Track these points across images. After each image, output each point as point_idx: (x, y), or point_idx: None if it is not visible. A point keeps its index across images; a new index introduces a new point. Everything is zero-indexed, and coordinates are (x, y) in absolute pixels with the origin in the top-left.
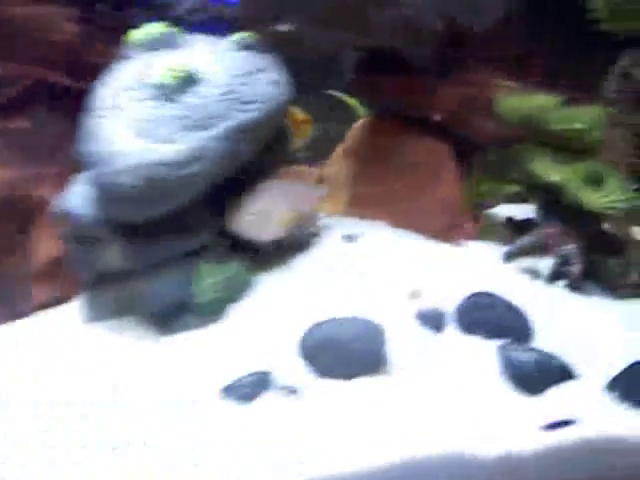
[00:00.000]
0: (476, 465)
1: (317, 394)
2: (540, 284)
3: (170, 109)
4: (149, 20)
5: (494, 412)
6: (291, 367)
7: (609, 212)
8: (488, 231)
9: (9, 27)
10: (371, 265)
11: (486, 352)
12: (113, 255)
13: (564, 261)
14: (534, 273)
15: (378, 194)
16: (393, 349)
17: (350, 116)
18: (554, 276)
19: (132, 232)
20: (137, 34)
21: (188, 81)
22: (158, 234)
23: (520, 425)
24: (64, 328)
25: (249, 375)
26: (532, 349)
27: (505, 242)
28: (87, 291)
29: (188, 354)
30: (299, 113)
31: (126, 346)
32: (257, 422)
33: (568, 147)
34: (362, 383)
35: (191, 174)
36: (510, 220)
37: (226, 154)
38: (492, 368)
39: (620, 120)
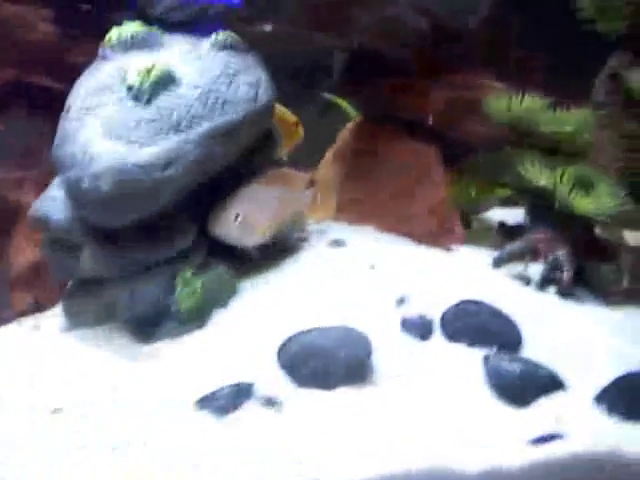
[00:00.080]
0: None
1: (297, 405)
2: (530, 290)
3: (145, 111)
4: (127, 19)
5: (478, 425)
6: (272, 377)
7: (599, 217)
8: (480, 235)
9: None
10: (358, 271)
11: (472, 361)
12: (90, 261)
13: (554, 267)
14: (524, 279)
15: (366, 198)
16: (377, 358)
17: (342, 118)
18: (544, 282)
19: (109, 237)
20: (114, 34)
21: (163, 82)
22: (137, 239)
23: (505, 438)
24: (44, 335)
25: (227, 386)
26: (518, 358)
27: (496, 247)
28: (67, 298)
29: (167, 363)
30: (289, 115)
31: (104, 354)
32: (233, 435)
33: (558, 150)
34: (344, 393)
35: (167, 177)
36: (502, 224)
37: (203, 157)
38: (477, 378)
39: (609, 122)
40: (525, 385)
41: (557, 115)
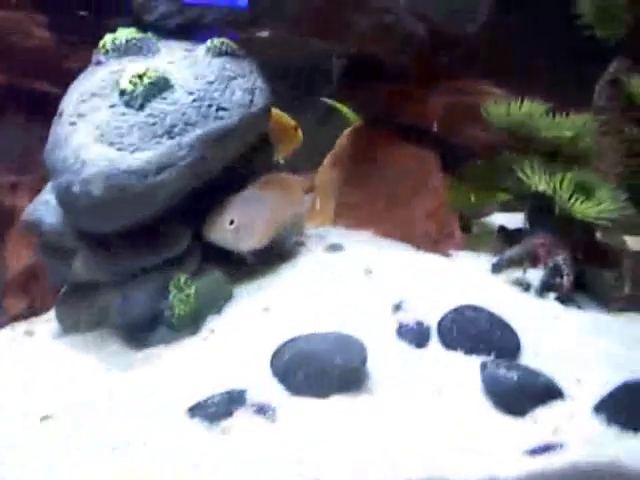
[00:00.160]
0: None
1: (290, 413)
2: (530, 296)
3: (138, 116)
4: (123, 26)
5: (475, 434)
6: (264, 384)
7: (599, 222)
8: (480, 240)
9: None
10: (355, 276)
11: (469, 369)
12: (82, 266)
13: (554, 272)
14: (524, 285)
15: (365, 203)
16: (373, 365)
17: (342, 123)
18: (544, 288)
19: (102, 242)
20: (108, 40)
21: (157, 88)
22: (130, 244)
23: (502, 448)
24: (37, 341)
25: (219, 394)
26: (516, 366)
27: (496, 252)
28: (61, 303)
29: (159, 369)
30: (288, 119)
31: (96, 360)
32: (223, 444)
33: (557, 155)
34: (338, 402)
35: (159, 182)
36: (502, 229)
37: (197, 162)
38: (474, 386)
39: (609, 128)
40: (522, 393)
41: (557, 120)
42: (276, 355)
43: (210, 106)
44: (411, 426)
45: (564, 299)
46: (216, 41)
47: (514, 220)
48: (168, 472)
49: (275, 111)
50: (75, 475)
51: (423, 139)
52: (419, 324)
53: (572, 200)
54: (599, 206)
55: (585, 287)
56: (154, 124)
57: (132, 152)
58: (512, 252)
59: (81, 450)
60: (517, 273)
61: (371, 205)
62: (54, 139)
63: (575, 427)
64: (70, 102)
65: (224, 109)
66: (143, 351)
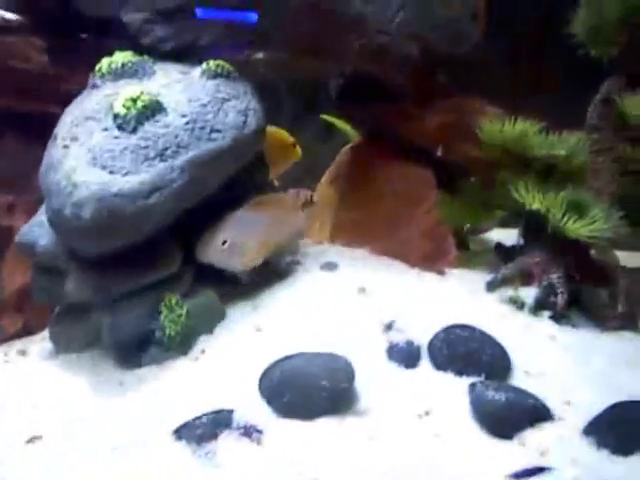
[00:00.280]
0: None
1: (276, 436)
2: (524, 315)
3: (131, 139)
4: (121, 49)
5: (460, 457)
6: (252, 406)
7: (592, 240)
8: (477, 257)
9: None
10: (347, 295)
11: (458, 390)
12: (75, 286)
13: (549, 291)
14: (518, 303)
15: (361, 221)
16: (361, 387)
17: (343, 140)
18: (538, 306)
19: (95, 263)
20: (104, 63)
21: (150, 111)
22: (122, 265)
23: (486, 472)
24: (30, 360)
25: (206, 415)
26: (505, 387)
27: (492, 269)
28: (54, 323)
29: (149, 390)
30: (286, 136)
31: (86, 380)
32: (207, 468)
33: (552, 174)
34: (325, 424)
35: (150, 205)
36: (499, 245)
37: (189, 183)
38: (463, 408)
39: (602, 147)
40: (510, 415)
41: (550, 139)
42: (264, 376)
43: (203, 128)
44: (397, 449)
45: (558, 318)
46: (211, 63)
47: (513, 237)
48: None
49: (273, 128)
50: None
51: (419, 157)
52: (409, 344)
53: (565, 219)
54: (592, 225)
55: (580, 305)
56: (146, 147)
57: (124, 175)
58: (506, 270)
59: (65, 472)
60: (511, 291)
61: (367, 223)
62: (48, 162)
63: (564, 450)
64: (64, 125)
65: (217, 131)
66: (134, 371)
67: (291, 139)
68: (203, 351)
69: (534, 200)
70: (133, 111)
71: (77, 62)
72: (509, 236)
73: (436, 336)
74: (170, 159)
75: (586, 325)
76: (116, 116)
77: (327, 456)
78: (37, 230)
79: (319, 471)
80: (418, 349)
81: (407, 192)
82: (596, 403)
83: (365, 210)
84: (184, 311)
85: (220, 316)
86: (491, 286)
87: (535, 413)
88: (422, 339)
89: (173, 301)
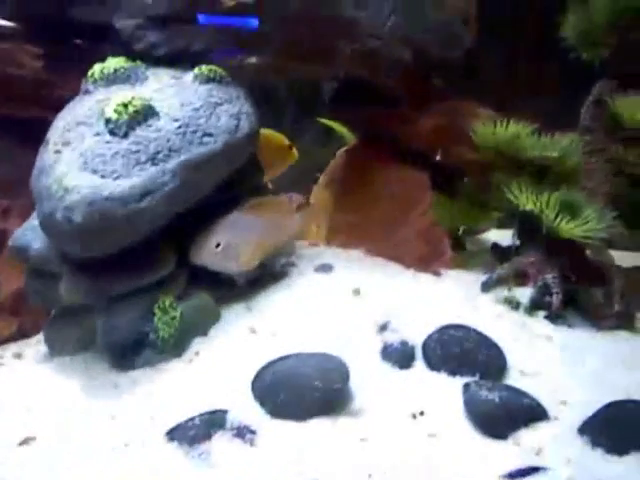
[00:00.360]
0: None
1: (269, 437)
2: (519, 315)
3: (123, 143)
4: (115, 54)
5: (453, 457)
6: (246, 407)
7: (586, 240)
8: (474, 258)
9: None
10: (342, 297)
11: (452, 390)
12: (68, 289)
13: (544, 291)
14: (513, 303)
15: (357, 223)
16: (355, 387)
17: (340, 143)
18: (534, 306)
19: (88, 266)
20: (96, 69)
21: (142, 115)
22: (115, 268)
23: (480, 472)
24: (25, 363)
25: (199, 416)
26: (500, 387)
27: (488, 270)
28: (49, 325)
29: (142, 392)
30: (282, 139)
31: (80, 383)
32: (200, 469)
33: (546, 175)
34: (318, 425)
35: (142, 208)
36: (496, 246)
37: (181, 187)
38: (457, 408)
39: (595, 148)
40: (504, 415)
41: (543, 140)
42: (257, 377)
43: (195, 132)
44: (390, 449)
45: (554, 317)
46: (204, 68)
47: (510, 238)
48: None
49: (269, 131)
50: None
51: (414, 160)
52: (404, 344)
53: (558, 219)
54: (585, 225)
55: (576, 305)
56: (138, 151)
57: (115, 179)
58: (501, 271)
59: (58, 473)
60: (506, 292)
61: (363, 225)
62: (39, 166)
63: (558, 449)
64: (56, 130)
65: (209, 135)
66: (128, 373)
67: (287, 141)
68: (197, 353)
69: (528, 201)
70: (124, 116)
71: (71, 68)
72: (506, 237)
73: (430, 336)
74: (162, 163)
75: (582, 325)
76: (108, 121)
77: (320, 457)
78: (30, 234)
79: (312, 471)
80: (412, 349)
81: (402, 194)
82: (591, 403)
83: (361, 212)
84: (178, 313)
85: (214, 318)
86: (486, 286)
87: (530, 413)
88: (417, 339)
89: (167, 303)
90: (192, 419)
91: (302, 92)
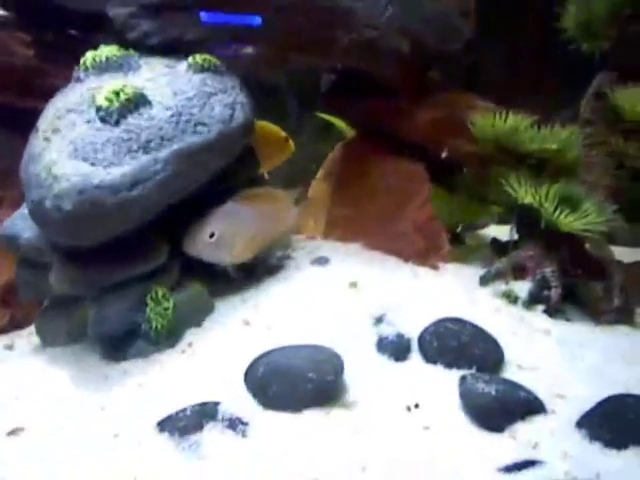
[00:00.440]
0: None
1: (261, 428)
2: (517, 309)
3: (114, 131)
4: (106, 43)
5: (448, 451)
6: (238, 398)
7: (585, 234)
8: (472, 252)
9: None
10: (338, 289)
11: (448, 383)
12: (57, 280)
13: (542, 285)
14: (511, 297)
15: (355, 216)
16: (349, 379)
17: (339, 137)
18: (532, 300)
19: (79, 255)
20: (88, 57)
21: (133, 103)
22: (107, 257)
23: (475, 465)
24: (16, 354)
25: (190, 407)
26: (496, 380)
27: (487, 264)
28: (41, 316)
29: (133, 383)
30: (278, 131)
31: (71, 374)
32: (190, 460)
33: (545, 168)
34: (311, 416)
35: (133, 197)
36: (495, 241)
37: (173, 176)
38: (452, 401)
39: (595, 140)
40: (501, 408)
41: (542, 133)
42: (250, 369)
43: (188, 121)
44: (384, 442)
45: (552, 312)
46: (198, 57)
47: (509, 232)
48: None
49: (265, 123)
50: None
51: (412, 152)
52: (399, 337)
53: (557, 213)
54: (585, 218)
55: (575, 299)
56: (129, 139)
57: (106, 167)
58: (500, 264)
59: (47, 464)
60: (505, 285)
61: (361, 218)
62: (28, 154)
63: (555, 443)
64: (46, 118)
65: (202, 124)
66: (120, 364)
67: (283, 133)
68: (190, 344)
69: (526, 194)
70: (116, 104)
71: (64, 57)
72: (506, 233)
73: (426, 329)
74: (154, 151)
75: (581, 319)
76: (99, 108)
77: (313, 449)
78: (20, 223)
79: (303, 464)
80: (408, 342)
81: (400, 187)
82: (590, 397)
83: (358, 205)
84: (171, 304)
85: (209, 309)
86: (484, 280)
87: (527, 406)
88: (413, 332)
89: (160, 294)
90: (183, 410)
91: (301, 85)
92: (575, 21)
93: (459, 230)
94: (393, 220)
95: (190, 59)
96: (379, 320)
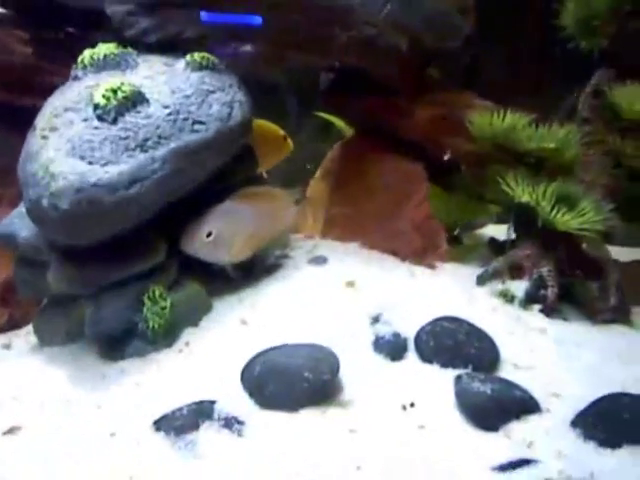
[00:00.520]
0: None
1: (257, 427)
2: (514, 308)
3: (111, 130)
4: (104, 41)
5: (443, 450)
6: (234, 398)
7: (582, 233)
8: (470, 252)
9: None
10: (336, 289)
11: (444, 382)
12: (55, 279)
13: (539, 284)
14: (508, 297)
15: (353, 215)
16: (346, 379)
17: (338, 136)
18: (529, 300)
19: (76, 254)
20: (86, 55)
21: (131, 102)
22: (105, 256)
23: (470, 464)
24: (13, 354)
25: (187, 406)
26: (492, 379)
27: (484, 263)
28: (39, 316)
29: (130, 382)
30: (277, 129)
31: (68, 373)
32: (185, 459)
33: (543, 167)
34: (308, 415)
35: (131, 195)
36: (493, 240)
37: (171, 175)
38: (448, 400)
39: (593, 139)
40: (496, 407)
41: (540, 132)
42: (247, 368)
43: (186, 119)
44: (379, 441)
45: (549, 311)
46: (196, 55)
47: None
48: None
49: (263, 122)
50: None
51: (410, 151)
52: (396, 336)
53: (554, 211)
54: (582, 217)
55: (572, 298)
56: (127, 138)
57: (103, 165)
58: (497, 264)
59: (43, 463)
60: (501, 285)
61: (359, 216)
62: (26, 152)
63: (550, 442)
64: (44, 116)
65: (200, 122)
66: (118, 363)
67: (282, 132)
68: (187, 343)
69: (524, 193)
70: (113, 102)
71: (61, 54)
72: (504, 233)
73: (422, 328)
74: (151, 150)
75: (577, 318)
76: (96, 107)
77: (308, 448)
78: (18, 222)
79: (299, 463)
80: (405, 341)
81: (398, 186)
82: (585, 396)
83: (356, 204)
84: (168, 303)
85: (206, 309)
86: (481, 280)
87: (522, 405)
88: (410, 332)
89: (157, 293)
90: (179, 409)
91: (300, 84)
92: (574, 18)
93: (457, 229)
94: (391, 219)
95: (188, 57)
96: (376, 319)
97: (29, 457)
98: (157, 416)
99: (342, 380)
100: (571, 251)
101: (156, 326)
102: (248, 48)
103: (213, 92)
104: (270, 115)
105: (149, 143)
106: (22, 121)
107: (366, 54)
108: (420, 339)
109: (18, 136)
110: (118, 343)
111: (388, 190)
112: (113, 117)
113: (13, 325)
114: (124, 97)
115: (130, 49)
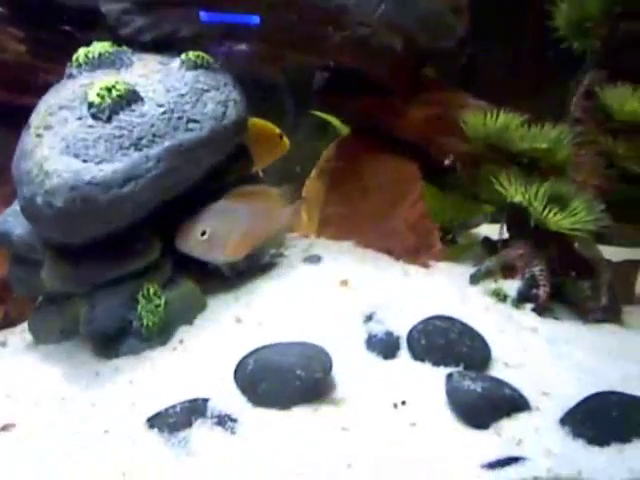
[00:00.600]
0: None
1: (250, 425)
2: (506, 307)
3: (106, 128)
4: (98, 39)
5: (433, 447)
6: (227, 395)
7: (574, 233)
8: (464, 251)
9: None
10: (329, 288)
11: (435, 380)
12: (49, 277)
13: (531, 283)
14: (500, 296)
15: (348, 214)
16: (338, 377)
17: (335, 135)
18: (521, 299)
19: (71, 252)
20: (81, 53)
21: (125, 100)
22: (99, 254)
23: (460, 462)
24: (8, 351)
25: (180, 404)
26: (482, 378)
27: (478, 263)
28: (34, 313)
29: (124, 380)
30: (273, 128)
31: (63, 371)
32: (178, 457)
33: (535, 167)
34: (300, 413)
35: (125, 194)
36: (486, 240)
37: (165, 173)
38: (439, 398)
39: (585, 139)
40: (486, 405)
41: (532, 132)
42: (240, 366)
43: (180, 118)
44: (370, 439)
45: (540, 310)
46: (191, 54)
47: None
48: None
49: (259, 120)
50: None
51: (405, 151)
52: (388, 335)
53: (546, 211)
54: (573, 217)
55: (563, 297)
56: (121, 136)
57: (97, 164)
58: (490, 263)
59: (37, 460)
60: (494, 284)
61: (354, 216)
62: (20, 150)
63: (539, 440)
64: (38, 114)
65: (195, 121)
66: (112, 361)
67: (278, 131)
68: (182, 341)
69: (516, 193)
70: (108, 100)
71: (56, 53)
72: (497, 231)
73: (415, 327)
74: (145, 148)
75: (569, 317)
76: (90, 105)
77: (300, 446)
78: (12, 220)
79: (291, 460)
80: (397, 340)
81: (393, 185)
82: (575, 394)
83: (351, 203)
84: (162, 301)
85: (200, 307)
86: (474, 279)
87: (512, 403)
88: (402, 330)
89: (151, 291)
90: (173, 407)
91: (296, 83)
92: (567, 19)
93: (452, 229)
94: (386, 218)
95: (183, 56)
96: (369, 318)
97: (23, 454)
98: (151, 413)
99: (334, 378)
100: (563, 251)
101: (150, 324)
102: (243, 47)
103: (208, 91)
104: (266, 114)
105: (143, 141)
106: (16, 119)
107: (360, 54)
108: (412, 338)
109: (12, 134)
110: (112, 341)
111: (383, 189)
112: (107, 115)
113: (8, 323)
114: (118, 95)
115: (125, 48)
